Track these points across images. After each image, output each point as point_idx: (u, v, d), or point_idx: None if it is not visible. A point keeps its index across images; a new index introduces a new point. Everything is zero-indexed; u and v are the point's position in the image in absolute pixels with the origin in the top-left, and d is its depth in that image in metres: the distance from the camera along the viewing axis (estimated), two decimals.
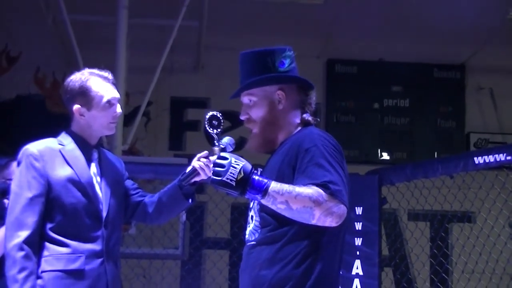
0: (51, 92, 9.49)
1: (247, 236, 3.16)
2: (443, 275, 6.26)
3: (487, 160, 5.27)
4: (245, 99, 3.23)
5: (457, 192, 6.09)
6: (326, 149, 3.02)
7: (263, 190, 2.89)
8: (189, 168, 3.44)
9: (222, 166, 2.91)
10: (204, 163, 3.34)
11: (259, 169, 3.14)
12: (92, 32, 8.85)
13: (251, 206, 3.19)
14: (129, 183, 3.70)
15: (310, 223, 2.91)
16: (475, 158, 5.35)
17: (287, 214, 2.92)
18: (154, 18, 8.87)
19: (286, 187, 2.89)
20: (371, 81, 10.18)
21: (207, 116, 3.30)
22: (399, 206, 6.36)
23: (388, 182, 6.01)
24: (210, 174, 3.06)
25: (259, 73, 3.20)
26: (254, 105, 3.21)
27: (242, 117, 3.24)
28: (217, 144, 3.28)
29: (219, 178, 2.90)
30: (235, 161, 2.91)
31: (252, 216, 3.16)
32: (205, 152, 3.37)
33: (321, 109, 10.17)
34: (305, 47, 9.75)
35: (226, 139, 3.28)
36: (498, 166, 5.42)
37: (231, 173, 2.89)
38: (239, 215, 6.65)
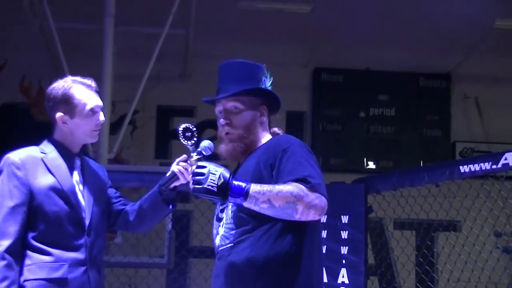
0: (37, 101, 9.45)
1: (218, 242, 3.21)
2: (429, 283, 6.26)
3: (472, 169, 5.29)
4: (230, 104, 3.29)
5: (443, 201, 6.11)
6: (302, 149, 3.15)
7: (244, 193, 2.96)
8: (168, 173, 3.45)
9: (201, 174, 2.98)
10: (183, 167, 3.35)
11: None
12: (79, 40, 8.82)
13: (218, 215, 3.26)
14: (111, 191, 3.68)
15: (294, 219, 2.99)
16: (461, 167, 5.37)
17: (270, 212, 2.99)
18: (140, 26, 8.86)
19: (266, 186, 2.98)
20: (357, 89, 10.20)
21: (180, 129, 3.35)
22: (385, 215, 6.37)
23: (374, 190, 6.02)
24: (189, 178, 3.10)
25: (249, 83, 3.29)
26: (238, 113, 3.28)
27: (223, 122, 3.29)
28: (193, 155, 3.33)
29: (201, 186, 2.96)
30: (213, 168, 2.99)
31: (220, 225, 3.22)
32: (183, 156, 3.40)
33: (307, 118, 10.19)
34: (292, 55, 9.84)
35: (205, 143, 3.32)
36: (484, 175, 5.44)
37: (211, 179, 2.96)
38: None
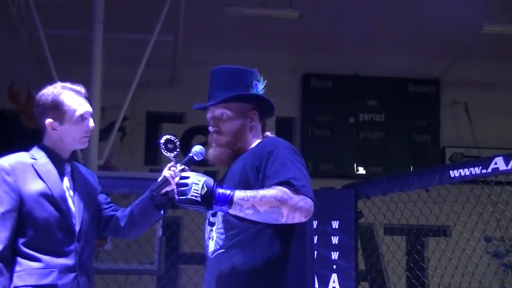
0: (25, 107, 9.43)
1: (211, 248, 3.20)
2: None
3: (462, 174, 5.29)
4: (218, 111, 3.29)
5: (433, 205, 6.10)
6: (288, 151, 3.14)
7: (228, 201, 2.96)
8: (160, 178, 3.44)
9: (185, 185, 2.98)
10: (174, 172, 3.35)
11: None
12: (67, 47, 8.81)
13: (210, 219, 3.25)
14: (102, 197, 3.67)
15: (280, 223, 2.99)
16: (451, 172, 5.37)
17: (256, 218, 2.99)
18: (129, 32, 8.86)
19: (250, 192, 2.97)
20: (346, 95, 10.23)
21: (162, 141, 3.35)
22: (375, 220, 6.36)
23: (364, 195, 6.01)
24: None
25: (237, 89, 3.28)
26: (227, 119, 3.29)
27: (212, 129, 3.30)
28: (176, 166, 3.34)
29: (184, 197, 2.96)
30: (196, 178, 2.99)
31: (212, 230, 3.22)
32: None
33: (296, 123, 10.19)
34: (281, 61, 9.84)
35: (197, 148, 3.34)
36: (474, 180, 5.44)
37: (194, 190, 2.96)
38: None
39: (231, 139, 3.26)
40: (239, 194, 2.97)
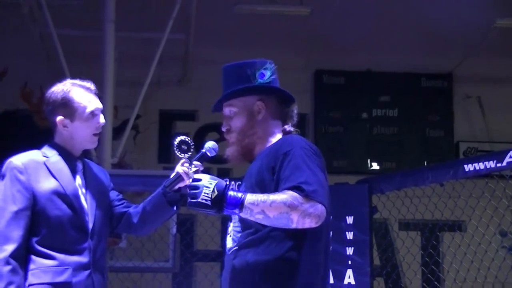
0: (38, 107, 9.42)
1: (229, 245, 3.20)
2: (435, 283, 6.24)
3: (477, 168, 5.26)
4: (226, 110, 3.29)
5: (448, 200, 6.08)
6: (305, 151, 3.06)
7: (239, 205, 2.93)
8: (173, 174, 3.44)
9: (196, 188, 2.95)
10: (188, 173, 3.34)
11: (237, 182, 3.20)
12: (79, 46, 8.82)
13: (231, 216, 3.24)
14: (113, 194, 3.67)
15: (290, 228, 2.95)
16: (465, 166, 5.33)
17: (266, 222, 2.97)
18: (141, 31, 8.86)
19: (260, 197, 2.94)
20: (359, 91, 10.20)
21: (176, 142, 3.35)
22: (390, 215, 6.35)
23: (378, 191, 5.99)
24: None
25: (239, 84, 3.25)
26: (234, 116, 3.27)
27: (224, 129, 3.30)
28: (189, 167, 3.34)
29: (195, 200, 2.94)
30: (208, 181, 2.96)
31: (229, 225, 3.22)
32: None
33: (309, 120, 10.17)
34: (293, 58, 9.82)
35: (209, 144, 3.34)
36: (488, 174, 5.41)
37: (205, 193, 2.93)
38: None
39: (239, 136, 3.24)
40: (250, 198, 2.94)
